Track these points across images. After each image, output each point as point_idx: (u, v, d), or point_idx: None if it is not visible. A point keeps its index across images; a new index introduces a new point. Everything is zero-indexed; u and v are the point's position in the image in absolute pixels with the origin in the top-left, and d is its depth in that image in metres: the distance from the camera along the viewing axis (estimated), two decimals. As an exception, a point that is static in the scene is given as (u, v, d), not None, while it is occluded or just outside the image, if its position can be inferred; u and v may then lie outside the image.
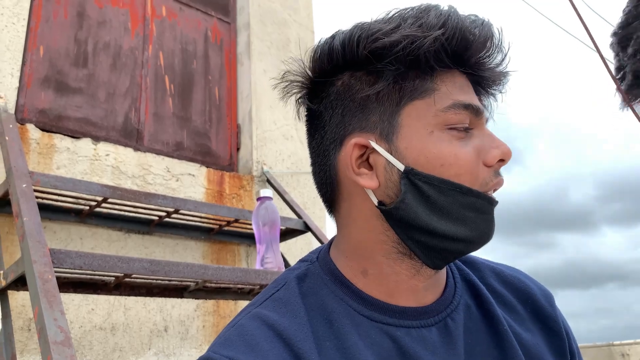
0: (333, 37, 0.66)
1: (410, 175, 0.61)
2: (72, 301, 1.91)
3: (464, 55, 0.63)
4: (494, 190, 0.64)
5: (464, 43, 0.62)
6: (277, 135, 2.84)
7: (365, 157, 0.64)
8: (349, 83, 0.65)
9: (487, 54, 0.65)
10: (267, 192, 2.05)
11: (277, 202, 2.31)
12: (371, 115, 0.64)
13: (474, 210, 0.62)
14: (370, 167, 0.64)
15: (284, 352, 0.60)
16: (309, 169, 0.73)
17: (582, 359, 0.75)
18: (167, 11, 2.72)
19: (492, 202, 0.63)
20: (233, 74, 2.91)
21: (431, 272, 0.65)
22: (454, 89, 0.63)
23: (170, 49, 2.67)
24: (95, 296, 1.97)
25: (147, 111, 2.49)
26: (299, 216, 2.43)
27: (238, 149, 2.77)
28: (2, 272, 1.59)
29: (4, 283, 1.55)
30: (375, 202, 0.63)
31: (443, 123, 0.62)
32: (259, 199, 2.05)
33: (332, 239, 0.72)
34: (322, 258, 0.71)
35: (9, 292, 1.62)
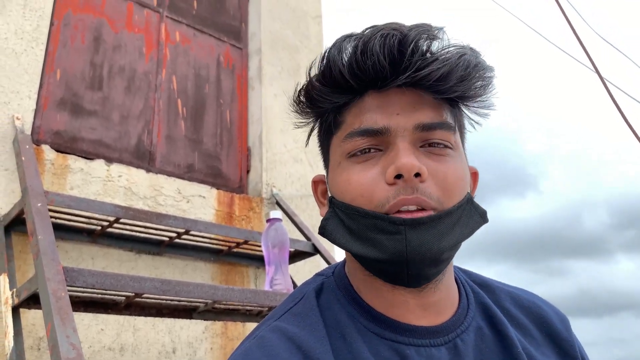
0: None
1: (331, 204, 0.68)
2: (82, 321, 1.92)
3: (345, 84, 0.65)
4: (418, 207, 0.61)
5: (334, 77, 0.65)
6: (287, 158, 2.87)
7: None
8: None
9: (381, 65, 0.62)
10: (277, 213, 2.07)
11: (286, 224, 2.32)
12: (324, 153, 0.74)
13: (378, 232, 0.62)
14: None
15: None
16: None
17: None
18: (180, 36, 2.78)
19: (396, 221, 0.61)
20: (244, 98, 2.96)
21: (413, 290, 0.65)
22: (358, 116, 0.66)
23: (183, 73, 2.72)
24: (105, 316, 1.98)
25: (159, 133, 2.53)
26: (308, 238, 2.44)
27: (248, 172, 2.80)
28: (15, 290, 1.61)
29: (16, 301, 1.57)
30: None
31: (345, 152, 0.66)
32: (268, 220, 2.07)
33: None
34: (337, 273, 0.73)
35: (21, 310, 1.63)
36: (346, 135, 0.66)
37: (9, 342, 1.52)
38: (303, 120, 0.73)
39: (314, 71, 0.68)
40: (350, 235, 0.65)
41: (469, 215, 0.65)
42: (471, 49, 0.64)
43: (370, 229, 0.62)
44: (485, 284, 0.77)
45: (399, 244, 0.60)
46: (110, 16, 2.53)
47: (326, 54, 0.65)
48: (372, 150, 0.64)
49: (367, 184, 0.63)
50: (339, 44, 0.65)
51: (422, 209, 0.61)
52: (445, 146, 0.65)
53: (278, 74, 3.03)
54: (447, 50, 0.62)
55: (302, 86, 0.70)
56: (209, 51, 2.88)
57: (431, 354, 0.64)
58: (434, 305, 0.67)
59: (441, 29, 0.64)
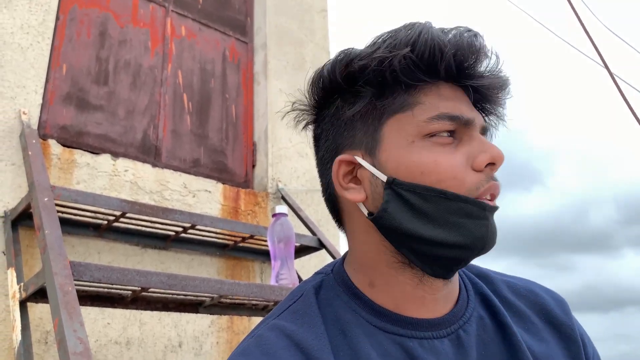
0: (323, 65, 0.71)
1: (392, 185, 0.64)
2: (89, 315, 1.93)
3: (440, 67, 0.64)
4: (492, 196, 0.64)
5: (435, 56, 0.64)
6: (292, 152, 2.86)
7: (355, 172, 0.68)
8: (337, 106, 0.70)
9: (468, 63, 0.65)
10: (283, 208, 2.07)
11: (292, 219, 2.32)
12: (357, 132, 0.68)
13: (464, 216, 0.62)
14: (359, 182, 0.68)
15: None
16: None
17: None
18: (186, 31, 2.77)
19: (485, 207, 0.63)
20: (250, 92, 2.95)
21: (438, 283, 0.66)
22: (438, 100, 0.65)
23: (189, 68, 2.72)
24: (111, 310, 1.99)
25: (165, 128, 2.53)
26: (314, 233, 2.44)
27: (254, 166, 2.80)
28: (22, 284, 1.61)
29: (24, 295, 1.58)
30: (366, 213, 0.67)
31: (425, 132, 0.64)
32: (274, 215, 2.07)
33: (346, 253, 0.74)
34: (336, 270, 0.72)
35: (28, 304, 1.64)
36: (435, 116, 0.64)
37: (17, 336, 1.53)
38: (351, 100, 0.68)
39: (390, 44, 0.65)
40: (419, 219, 0.62)
41: None
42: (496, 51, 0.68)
43: (456, 213, 0.62)
44: (482, 274, 0.77)
45: (485, 229, 0.62)
46: (115, 11, 2.53)
47: (425, 31, 0.64)
48: (450, 135, 0.65)
49: (458, 167, 0.63)
50: (436, 29, 0.65)
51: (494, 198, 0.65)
52: None
53: (283, 69, 3.02)
54: (499, 62, 0.67)
55: (376, 58, 0.65)
56: (215, 46, 2.88)
57: (434, 346, 0.64)
58: (443, 298, 0.67)
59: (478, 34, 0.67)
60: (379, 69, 0.65)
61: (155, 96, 2.55)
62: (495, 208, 0.64)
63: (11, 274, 1.72)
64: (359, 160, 0.67)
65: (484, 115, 0.71)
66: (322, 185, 0.74)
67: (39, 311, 1.83)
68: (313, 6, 3.36)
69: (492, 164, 0.64)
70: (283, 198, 2.65)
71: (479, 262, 0.80)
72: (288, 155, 2.84)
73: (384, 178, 0.65)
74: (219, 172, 2.67)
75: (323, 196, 0.75)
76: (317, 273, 0.75)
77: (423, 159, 0.63)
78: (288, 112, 0.77)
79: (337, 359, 0.62)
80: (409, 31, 0.64)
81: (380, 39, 0.66)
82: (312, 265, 2.62)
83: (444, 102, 0.65)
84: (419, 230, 0.62)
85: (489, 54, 0.66)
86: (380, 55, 0.64)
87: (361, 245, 0.69)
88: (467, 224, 0.62)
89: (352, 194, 0.67)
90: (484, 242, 0.62)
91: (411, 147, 0.64)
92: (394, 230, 0.64)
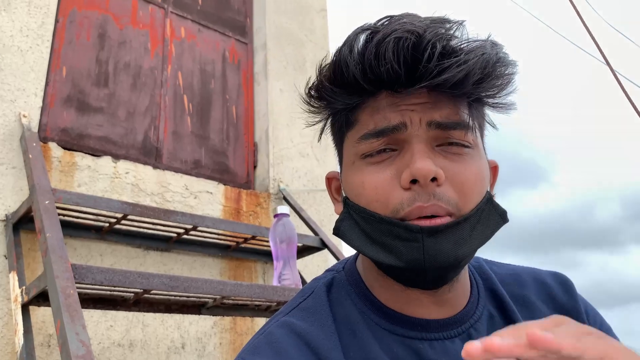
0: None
1: (345, 204, 0.66)
2: (91, 317, 1.93)
3: (361, 83, 0.61)
4: (431, 214, 0.59)
5: (347, 75, 0.62)
6: (293, 153, 2.86)
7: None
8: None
9: (403, 66, 0.59)
10: (285, 208, 2.06)
11: (294, 219, 2.32)
12: (338, 149, 0.71)
13: (394, 238, 0.60)
14: None
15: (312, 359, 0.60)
16: (325, 186, 0.77)
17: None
18: (186, 32, 2.77)
19: (413, 229, 0.58)
20: (250, 93, 2.95)
21: (428, 290, 0.64)
22: (371, 116, 0.62)
23: (189, 69, 2.72)
24: (114, 313, 1.99)
25: (166, 130, 2.53)
26: (316, 233, 2.43)
27: (255, 167, 2.80)
28: (24, 287, 1.61)
29: (26, 298, 1.57)
30: None
31: (359, 152, 0.63)
32: (276, 215, 2.07)
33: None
34: (348, 268, 0.72)
35: (30, 307, 1.64)
36: (360, 136, 0.63)
37: (19, 339, 1.53)
38: (315, 118, 0.70)
39: (325, 68, 0.65)
40: (365, 239, 0.62)
41: (488, 216, 0.63)
42: (492, 44, 0.61)
43: (387, 235, 0.60)
44: (491, 267, 0.76)
45: (416, 252, 0.58)
46: (115, 12, 2.53)
47: (338, 53, 0.62)
48: (387, 150, 0.62)
49: (381, 187, 0.61)
50: (350, 42, 0.62)
51: (439, 215, 0.59)
52: (463, 146, 0.62)
53: (284, 69, 3.01)
54: (466, 47, 0.59)
55: (313, 84, 0.67)
56: (214, 47, 2.88)
57: (445, 347, 0.63)
58: (447, 302, 0.66)
59: (461, 23, 0.61)
60: (319, 92, 0.67)
61: (156, 98, 2.54)
62: (433, 229, 0.58)
63: (13, 278, 1.71)
64: (339, 176, 0.71)
65: (477, 109, 0.65)
66: None
67: (41, 314, 1.83)
68: (313, 6, 3.36)
69: (416, 182, 0.59)
70: (285, 198, 2.64)
71: (483, 255, 0.80)
72: (289, 155, 2.84)
73: (343, 196, 0.68)
74: (220, 173, 2.67)
75: None
76: (328, 270, 0.74)
77: (355, 181, 0.64)
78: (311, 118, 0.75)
79: (348, 359, 0.62)
80: (340, 47, 0.64)
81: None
82: (314, 265, 2.62)
83: (376, 115, 0.62)
84: (365, 249, 0.63)
85: (430, 51, 0.58)
86: (313, 84, 0.67)
87: None
88: (398, 246, 0.59)
89: (336, 208, 0.71)
90: (421, 263, 0.58)
91: (353, 168, 0.65)
92: (350, 246, 0.65)
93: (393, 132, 0.61)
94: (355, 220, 0.64)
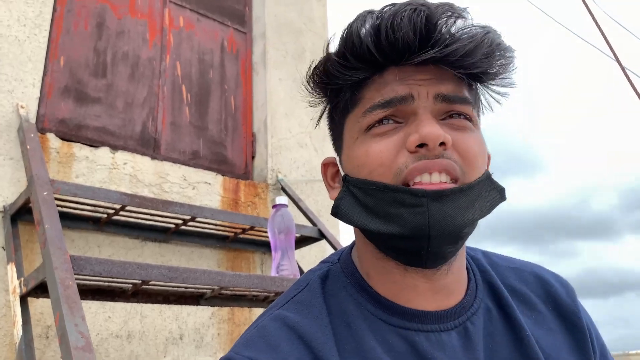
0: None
1: (345, 182, 0.66)
2: (90, 309, 1.93)
3: (368, 58, 0.63)
4: (432, 176, 0.59)
5: (357, 50, 0.63)
6: (292, 143, 2.85)
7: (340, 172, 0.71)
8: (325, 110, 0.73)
9: (407, 41, 0.60)
10: (283, 199, 2.06)
11: (292, 209, 2.32)
12: (336, 133, 0.71)
13: (399, 205, 0.59)
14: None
15: (305, 353, 0.60)
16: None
17: (608, 353, 0.74)
18: (184, 22, 2.75)
19: (417, 193, 0.58)
20: (249, 83, 2.94)
21: (426, 271, 0.64)
22: (377, 91, 0.64)
23: (187, 59, 2.71)
24: (112, 304, 1.99)
25: (164, 120, 2.52)
26: (314, 224, 2.44)
27: (253, 157, 2.79)
28: (22, 279, 1.61)
29: (24, 290, 1.57)
30: None
31: (363, 127, 0.64)
32: (274, 206, 2.07)
33: (354, 242, 0.73)
34: (343, 260, 0.72)
35: (29, 299, 1.64)
36: (366, 109, 0.63)
37: (18, 331, 1.53)
38: (316, 100, 0.70)
39: (333, 47, 0.65)
40: (366, 213, 0.62)
41: (488, 192, 0.63)
42: (493, 29, 0.63)
43: (390, 204, 0.60)
44: (491, 260, 0.76)
45: (421, 217, 0.58)
46: (113, 2, 2.51)
47: (349, 28, 0.63)
48: (391, 122, 0.62)
49: (387, 151, 0.61)
50: (362, 18, 0.63)
51: (444, 182, 0.60)
52: (467, 118, 0.63)
53: (283, 58, 3.00)
54: (472, 28, 0.61)
55: (319, 62, 0.67)
56: (213, 36, 2.86)
57: (441, 339, 0.63)
58: (444, 288, 0.65)
59: (465, 9, 0.63)
60: (326, 69, 0.66)
61: (154, 88, 2.53)
62: (438, 192, 0.58)
63: (11, 269, 1.72)
64: (337, 160, 0.71)
65: (476, 85, 0.66)
66: None
67: (39, 306, 1.84)
68: (312, -5, 3.34)
69: (424, 145, 0.59)
70: (283, 189, 2.64)
71: (481, 246, 0.80)
72: (288, 146, 2.83)
73: (342, 175, 0.68)
74: (219, 164, 2.66)
75: None
76: (323, 262, 0.74)
77: (359, 153, 0.64)
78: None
79: (341, 352, 0.62)
80: (350, 24, 0.64)
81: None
82: (312, 255, 2.62)
83: (383, 89, 0.63)
84: (366, 224, 0.62)
85: (442, 23, 0.60)
86: (319, 63, 0.67)
87: (356, 235, 0.70)
88: (402, 214, 0.59)
89: (332, 193, 0.70)
90: (425, 230, 0.58)
91: (355, 143, 0.65)
92: (350, 224, 0.65)
93: (400, 102, 0.62)
94: (354, 195, 0.64)
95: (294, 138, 2.88)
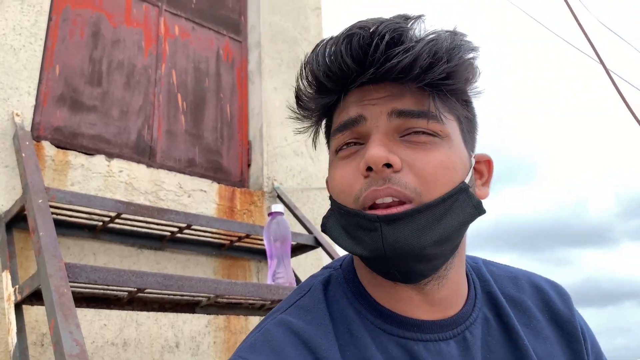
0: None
1: (330, 202, 0.68)
2: (85, 317, 1.93)
3: (327, 84, 0.65)
4: (391, 199, 0.59)
5: (316, 76, 0.66)
6: (287, 151, 2.86)
7: None
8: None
9: (357, 63, 0.62)
10: (279, 207, 2.06)
11: (288, 217, 2.32)
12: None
13: (359, 228, 0.61)
14: None
15: (309, 359, 0.60)
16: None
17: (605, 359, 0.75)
18: (179, 30, 2.76)
19: (370, 218, 0.59)
20: (244, 91, 2.95)
21: (415, 285, 0.64)
22: (340, 114, 0.66)
23: (182, 68, 2.71)
24: (107, 312, 1.98)
25: (159, 128, 2.52)
26: (310, 231, 2.44)
27: (249, 165, 2.80)
28: (17, 286, 1.61)
29: (19, 297, 1.57)
30: None
31: (333, 149, 0.67)
32: (270, 214, 2.07)
33: None
34: (345, 266, 0.72)
35: (24, 306, 1.64)
36: (331, 133, 0.68)
37: (12, 339, 1.52)
38: (304, 125, 0.73)
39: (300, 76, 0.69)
40: (344, 232, 0.64)
41: (461, 207, 0.61)
42: (449, 33, 0.62)
43: (354, 226, 0.62)
44: (490, 269, 0.76)
45: (376, 240, 0.59)
46: (108, 11, 2.52)
47: (305, 60, 0.67)
48: (353, 145, 0.64)
49: (346, 178, 0.63)
50: (317, 48, 0.66)
51: (401, 203, 0.59)
52: (427, 134, 0.62)
53: (278, 67, 3.01)
54: (417, 39, 0.61)
55: (295, 87, 0.70)
56: (208, 45, 2.87)
57: (440, 348, 0.63)
58: (441, 302, 0.66)
59: (418, 17, 0.62)
60: (298, 97, 0.70)
61: (149, 96, 2.54)
62: (389, 217, 0.59)
63: (6, 277, 1.71)
64: None
65: (441, 93, 0.63)
66: None
67: (34, 313, 1.83)
68: (307, 4, 3.36)
69: (370, 169, 0.60)
70: (279, 197, 2.64)
71: (477, 254, 0.80)
72: (283, 154, 2.84)
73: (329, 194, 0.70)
74: (214, 172, 2.66)
75: None
76: (325, 267, 0.74)
77: (331, 176, 0.67)
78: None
79: (344, 358, 0.62)
80: (308, 54, 0.67)
81: None
82: (308, 263, 2.62)
83: (342, 112, 0.66)
84: (343, 243, 0.64)
85: (377, 42, 0.60)
86: (295, 87, 0.70)
87: None
88: (362, 236, 0.61)
89: None
90: (381, 252, 0.59)
91: (331, 165, 0.68)
92: (332, 240, 0.67)
93: (353, 125, 0.63)
94: (336, 216, 0.66)
95: (290, 146, 2.88)
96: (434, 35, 0.61)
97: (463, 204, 0.62)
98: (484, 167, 0.70)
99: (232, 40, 3.00)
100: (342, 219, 0.64)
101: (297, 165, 2.87)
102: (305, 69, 0.67)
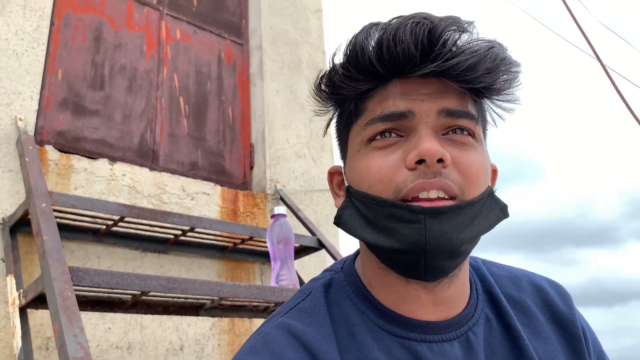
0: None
1: (348, 193, 0.66)
2: (89, 320, 1.93)
3: (371, 70, 0.63)
4: (430, 193, 0.60)
5: (360, 62, 0.63)
6: (289, 153, 2.86)
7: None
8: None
9: (409, 54, 0.61)
10: (281, 209, 2.07)
11: (291, 219, 2.32)
12: (341, 143, 0.72)
13: (396, 220, 0.60)
14: None
15: None
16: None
17: (607, 358, 0.75)
18: (181, 34, 2.77)
19: (415, 210, 0.59)
20: (246, 94, 2.95)
21: (428, 284, 0.64)
22: (379, 103, 0.64)
23: (184, 71, 2.72)
24: (112, 315, 1.99)
25: (162, 132, 2.53)
26: (313, 233, 2.44)
27: (252, 168, 2.80)
28: (21, 290, 1.61)
29: (24, 301, 1.57)
30: None
31: (365, 139, 0.65)
32: (273, 216, 2.07)
33: (358, 250, 0.73)
34: (346, 268, 0.72)
35: (28, 310, 1.64)
36: (367, 122, 0.64)
37: (17, 342, 1.53)
38: (322, 109, 0.71)
39: (338, 58, 0.66)
40: (366, 225, 0.63)
41: (490, 209, 0.63)
42: (499, 43, 0.63)
43: (388, 218, 0.60)
44: (490, 269, 0.76)
45: (417, 233, 0.58)
46: (110, 15, 2.53)
47: (353, 39, 0.64)
48: (392, 135, 0.63)
49: (386, 168, 0.61)
50: (366, 30, 0.63)
51: (443, 198, 0.60)
52: (469, 134, 0.63)
53: (279, 70, 3.02)
54: (475, 42, 0.61)
55: (325, 72, 0.68)
56: (210, 48, 2.88)
57: (444, 349, 0.63)
58: (446, 301, 0.66)
59: (471, 22, 0.63)
60: (330, 80, 0.67)
61: (152, 100, 2.54)
62: (435, 209, 0.59)
63: (10, 281, 1.71)
64: (342, 169, 0.72)
65: (480, 100, 0.66)
66: None
67: (39, 317, 1.83)
68: (308, 7, 3.36)
69: (422, 162, 0.60)
70: (282, 199, 2.65)
71: (484, 254, 0.80)
72: (286, 156, 2.84)
73: (345, 186, 0.69)
74: (217, 175, 2.67)
75: None
76: (326, 270, 0.74)
77: (360, 166, 0.64)
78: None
79: None
80: (355, 35, 0.65)
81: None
82: (312, 265, 2.62)
83: (384, 102, 0.64)
84: (366, 236, 0.63)
85: (445, 37, 0.60)
86: (325, 73, 0.68)
87: (360, 245, 0.70)
88: (399, 229, 0.60)
89: (337, 201, 0.71)
90: (422, 245, 0.58)
91: (357, 155, 0.66)
92: (351, 234, 0.65)
93: (400, 118, 0.62)
94: (356, 207, 0.64)
95: (292, 148, 2.88)
96: (489, 42, 0.62)
97: (492, 205, 0.64)
98: (491, 175, 0.71)
99: (233, 43, 3.00)
100: (369, 211, 0.62)
101: (299, 167, 2.87)
102: (352, 48, 0.63)
